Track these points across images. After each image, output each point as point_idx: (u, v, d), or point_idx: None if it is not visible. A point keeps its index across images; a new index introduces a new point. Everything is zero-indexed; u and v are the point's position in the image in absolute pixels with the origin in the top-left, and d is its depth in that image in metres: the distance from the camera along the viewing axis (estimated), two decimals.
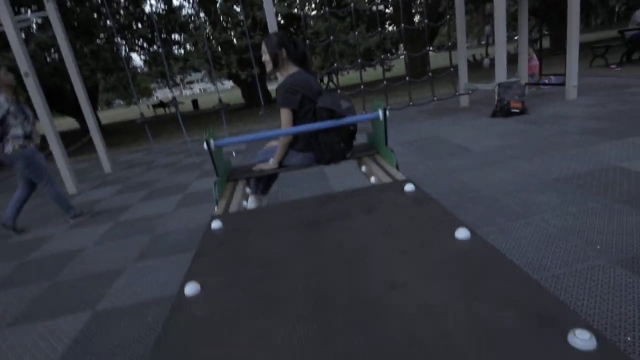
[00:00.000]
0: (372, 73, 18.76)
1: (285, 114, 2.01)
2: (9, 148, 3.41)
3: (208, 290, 1.00)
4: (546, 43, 14.85)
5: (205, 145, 1.83)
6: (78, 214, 3.90)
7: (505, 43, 5.28)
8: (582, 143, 3.58)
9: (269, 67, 2.11)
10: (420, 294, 0.81)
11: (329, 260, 1.04)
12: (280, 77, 2.22)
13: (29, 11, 10.83)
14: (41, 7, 6.02)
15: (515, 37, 7.25)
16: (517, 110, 5.14)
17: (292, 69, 2.08)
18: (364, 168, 2.06)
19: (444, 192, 2.94)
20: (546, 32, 15.75)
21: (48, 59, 11.14)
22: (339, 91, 6.02)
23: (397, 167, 1.85)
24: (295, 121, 2.05)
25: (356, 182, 3.52)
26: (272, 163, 2.15)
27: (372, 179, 1.83)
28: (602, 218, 2.17)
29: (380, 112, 1.87)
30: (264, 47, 2.07)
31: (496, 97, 5.39)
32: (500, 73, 5.33)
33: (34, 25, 10.32)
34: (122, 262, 2.70)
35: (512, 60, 6.97)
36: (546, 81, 6.89)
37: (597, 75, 7.76)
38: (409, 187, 1.46)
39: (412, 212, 1.28)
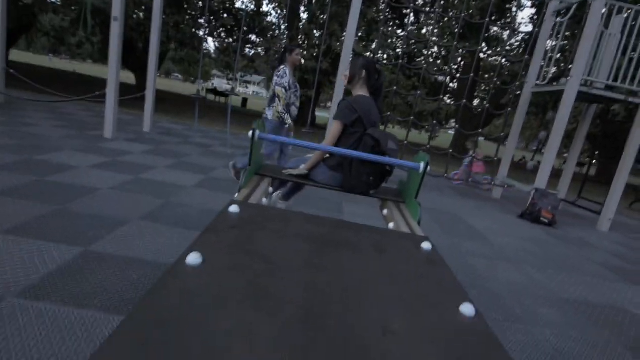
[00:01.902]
0: (417, 136, 18.99)
1: (336, 126, 2.08)
2: (270, 113, 3.88)
3: (208, 266, 1.02)
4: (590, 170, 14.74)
5: (250, 133, 1.88)
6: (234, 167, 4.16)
7: (556, 153, 5.28)
8: (601, 275, 3.47)
9: (345, 81, 2.24)
10: (409, 349, 0.80)
11: (330, 283, 1.04)
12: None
13: None
14: None
15: (565, 155, 7.28)
16: (546, 221, 5.07)
17: (363, 92, 2.17)
18: (385, 211, 2.06)
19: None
20: (595, 160, 15.66)
21: (134, 15, 11.87)
22: None
23: (419, 223, 1.85)
24: (341, 137, 2.10)
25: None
26: (302, 168, 2.20)
27: (391, 225, 1.83)
28: (602, 355, 2.08)
29: (422, 165, 1.88)
30: (350, 64, 2.23)
31: (530, 201, 5.34)
32: (542, 180, 5.30)
33: None
34: (128, 214, 2.75)
35: (556, 175, 6.94)
36: (484, 182, 7.05)
37: (633, 218, 7.58)
38: (426, 245, 1.46)
39: (423, 270, 1.27)
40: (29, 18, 13.43)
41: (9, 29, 7.09)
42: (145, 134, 6.46)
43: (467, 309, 1.03)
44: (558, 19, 6.07)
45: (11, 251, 1.99)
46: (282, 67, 3.86)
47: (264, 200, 1.76)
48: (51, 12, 11.61)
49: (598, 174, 15.82)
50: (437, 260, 1.36)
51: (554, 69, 10.44)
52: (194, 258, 1.03)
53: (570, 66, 5.45)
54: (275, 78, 3.84)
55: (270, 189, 1.99)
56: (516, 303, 2.52)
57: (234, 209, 1.43)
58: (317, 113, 18.80)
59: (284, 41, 12.86)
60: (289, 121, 3.86)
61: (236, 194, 1.70)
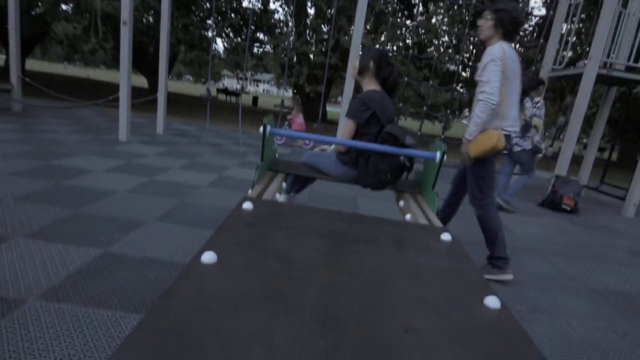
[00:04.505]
0: (430, 127, 18.76)
1: (349, 125, 2.04)
2: (526, 144, 4.12)
3: (223, 264, 0.99)
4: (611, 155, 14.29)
5: (261, 129, 1.87)
6: (505, 208, 4.49)
7: (576, 138, 5.12)
8: (628, 263, 3.35)
9: (354, 72, 2.19)
10: (433, 347, 0.76)
11: (347, 280, 1.00)
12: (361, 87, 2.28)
13: None
14: None
15: (584, 140, 7.06)
16: (568, 208, 4.92)
17: (374, 86, 2.11)
18: (402, 203, 2.02)
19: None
20: (617, 143, 15.19)
21: (144, 20, 11.98)
22: None
23: (437, 213, 1.80)
24: (356, 135, 2.06)
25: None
26: (331, 148, 2.23)
27: (408, 216, 1.79)
28: (633, 344, 2.00)
29: (439, 154, 1.83)
30: (360, 55, 2.17)
31: (550, 188, 5.19)
32: (563, 166, 5.15)
33: None
34: (144, 216, 2.77)
35: (576, 161, 6.73)
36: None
37: None
38: (445, 236, 1.41)
39: (444, 262, 1.23)
40: (42, 27, 13.73)
41: (24, 38, 7.24)
42: (159, 135, 6.53)
43: (491, 301, 0.99)
44: (573, 1, 5.86)
45: (32, 255, 2.02)
46: (538, 99, 4.09)
47: (278, 196, 1.74)
48: (63, 20, 11.81)
49: (620, 159, 15.35)
50: (458, 252, 1.31)
51: (570, 53, 10.12)
52: (208, 257, 1.01)
53: (588, 49, 5.26)
54: (531, 109, 4.02)
55: (284, 185, 1.96)
56: (541, 294, 2.44)
57: (247, 205, 1.41)
58: (328, 108, 18.74)
59: (292, 37, 12.82)
60: (544, 150, 4.20)
61: (249, 190, 1.68)
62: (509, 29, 2.36)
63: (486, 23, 2.42)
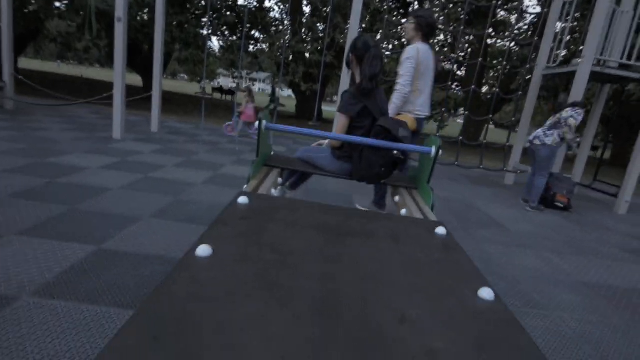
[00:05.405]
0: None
1: (341, 119, 2.03)
2: (549, 140, 4.31)
3: (218, 257, 1.00)
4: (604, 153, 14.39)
5: (256, 123, 1.87)
6: (536, 208, 4.68)
7: None
8: (620, 258, 3.39)
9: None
10: (428, 336, 0.77)
11: (344, 272, 1.01)
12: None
13: None
14: None
15: (578, 139, 7.13)
16: (562, 205, 4.96)
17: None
18: (397, 198, 2.02)
19: None
20: (610, 141, 15.31)
21: (138, 17, 11.91)
22: None
23: (432, 208, 1.81)
24: (350, 129, 2.06)
25: None
26: (326, 143, 2.24)
27: (403, 211, 1.80)
28: (624, 338, 2.02)
29: (434, 149, 1.84)
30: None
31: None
32: (556, 164, 5.19)
33: None
34: (139, 212, 2.76)
35: (570, 158, 6.77)
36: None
37: None
38: (440, 230, 1.42)
39: (438, 255, 1.23)
40: (35, 24, 13.58)
41: (17, 36, 7.19)
42: (154, 134, 6.50)
43: (486, 293, 1.00)
44: None
45: (26, 252, 2.01)
46: (580, 110, 4.39)
47: (273, 191, 1.74)
48: (57, 18, 11.71)
49: (613, 158, 15.47)
50: (453, 245, 1.32)
51: (564, 52, 10.19)
52: (203, 250, 1.01)
53: (582, 47, 5.30)
54: (570, 111, 4.35)
55: (280, 180, 1.96)
56: (534, 288, 2.47)
57: (243, 200, 1.41)
58: (324, 107, 18.73)
59: (287, 36, 12.80)
60: (575, 149, 4.67)
61: (245, 186, 1.68)
62: (426, 31, 2.91)
63: (409, 26, 2.97)
